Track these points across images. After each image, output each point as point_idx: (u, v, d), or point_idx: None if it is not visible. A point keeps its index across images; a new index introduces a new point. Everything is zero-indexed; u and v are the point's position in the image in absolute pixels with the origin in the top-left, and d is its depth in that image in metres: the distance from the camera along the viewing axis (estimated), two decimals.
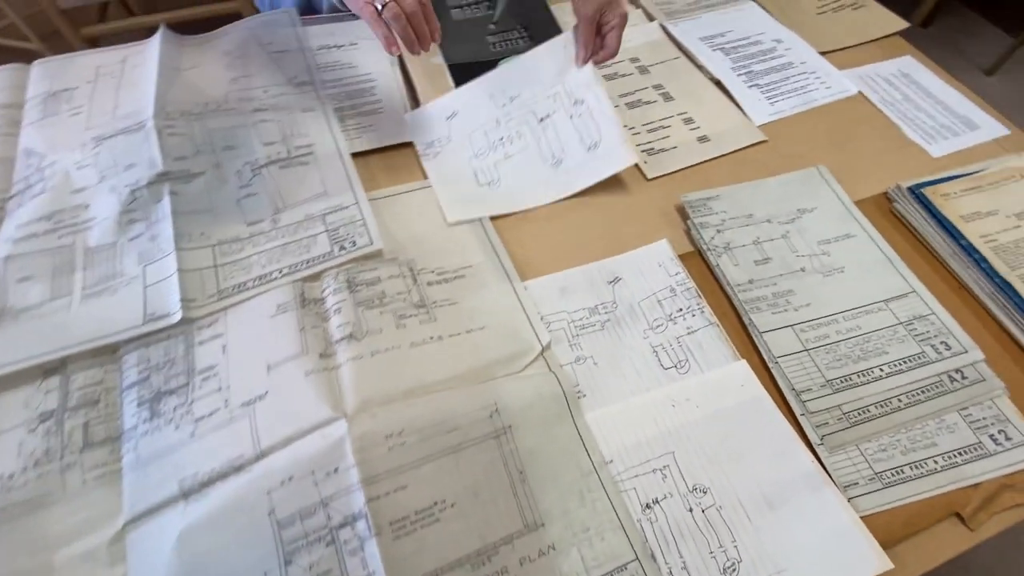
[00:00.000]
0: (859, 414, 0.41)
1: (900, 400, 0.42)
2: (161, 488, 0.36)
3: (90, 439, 0.38)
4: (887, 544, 0.36)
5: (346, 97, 0.60)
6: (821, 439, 0.40)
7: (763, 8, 0.74)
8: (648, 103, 0.62)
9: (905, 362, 0.44)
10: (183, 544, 0.33)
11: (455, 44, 0.64)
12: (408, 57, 0.62)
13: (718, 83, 0.65)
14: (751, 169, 0.57)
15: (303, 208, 0.50)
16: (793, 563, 0.35)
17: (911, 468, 0.39)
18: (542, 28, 0.67)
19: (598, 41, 0.55)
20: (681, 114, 0.61)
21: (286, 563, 0.33)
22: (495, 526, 0.35)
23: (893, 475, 0.39)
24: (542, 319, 0.45)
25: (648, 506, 0.37)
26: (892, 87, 0.66)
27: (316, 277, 0.45)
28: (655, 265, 0.49)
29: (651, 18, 0.72)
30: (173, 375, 0.40)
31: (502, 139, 0.55)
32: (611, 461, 0.39)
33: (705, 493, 0.38)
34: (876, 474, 0.39)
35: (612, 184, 0.54)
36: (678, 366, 0.43)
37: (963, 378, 0.43)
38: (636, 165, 0.57)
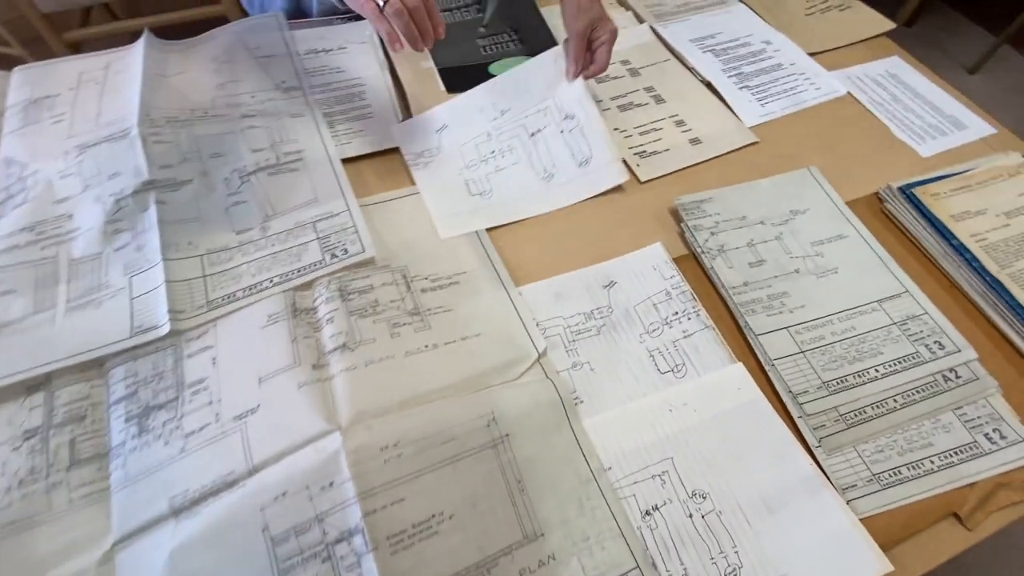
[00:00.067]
0: (856, 415, 0.41)
1: (896, 401, 0.42)
2: (151, 506, 0.35)
3: (76, 457, 0.37)
4: (886, 546, 0.36)
5: (335, 102, 0.59)
6: (819, 441, 0.40)
7: (751, 10, 0.74)
8: (640, 105, 0.62)
9: (900, 362, 0.44)
10: (174, 564, 0.33)
11: (445, 48, 0.63)
12: (398, 61, 0.62)
13: (709, 85, 0.65)
14: (743, 171, 0.57)
15: (293, 215, 0.49)
16: (794, 567, 0.35)
17: (908, 469, 0.39)
18: (532, 31, 0.67)
19: (588, 56, 0.56)
20: (672, 116, 0.61)
21: None
22: (494, 537, 0.35)
23: (891, 476, 0.39)
24: (537, 325, 0.45)
25: (648, 513, 0.37)
26: (880, 87, 0.67)
27: (308, 286, 0.45)
28: (650, 268, 0.49)
29: (641, 20, 0.72)
30: (162, 389, 0.39)
31: (493, 152, 0.55)
32: (610, 468, 0.39)
33: (704, 498, 0.38)
34: (874, 475, 0.39)
35: None
36: (675, 370, 0.43)
37: (957, 377, 0.43)
38: (629, 168, 0.57)
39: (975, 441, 0.41)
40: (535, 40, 0.66)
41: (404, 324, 0.42)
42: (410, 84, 0.60)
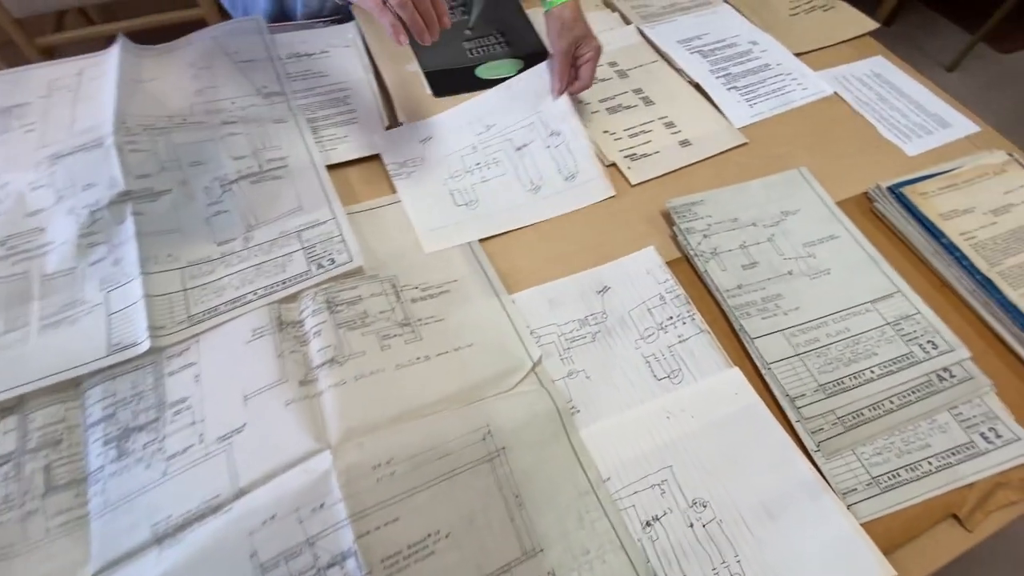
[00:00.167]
0: (853, 418, 0.41)
1: (892, 402, 0.42)
2: (132, 534, 0.33)
3: (53, 483, 0.35)
4: (888, 550, 0.36)
5: (319, 107, 0.57)
6: (817, 445, 0.40)
7: (737, 10, 0.74)
8: (629, 108, 0.62)
9: (895, 363, 0.44)
10: None
11: (430, 51, 0.62)
12: (382, 65, 0.60)
13: (697, 86, 0.64)
14: (733, 172, 0.57)
15: (277, 225, 0.47)
16: (796, 575, 0.35)
17: (907, 471, 0.39)
18: (518, 33, 0.66)
19: (573, 73, 0.56)
20: (662, 118, 0.61)
21: None
22: (492, 555, 0.34)
23: (890, 479, 0.39)
24: (531, 333, 0.44)
25: (648, 524, 0.36)
26: (866, 87, 0.67)
27: (293, 298, 0.43)
28: (643, 273, 0.48)
29: (627, 21, 0.71)
30: (142, 410, 0.38)
31: (479, 164, 0.54)
32: (608, 478, 0.38)
33: (705, 507, 0.37)
34: (873, 479, 0.39)
35: None
36: (671, 376, 0.43)
37: (951, 377, 0.43)
38: (620, 171, 0.56)
39: (971, 441, 0.40)
40: (521, 42, 0.65)
41: (394, 335, 0.41)
42: (395, 88, 0.59)
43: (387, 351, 0.40)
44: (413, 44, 0.63)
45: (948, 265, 0.50)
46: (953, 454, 0.40)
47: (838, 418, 0.41)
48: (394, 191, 0.52)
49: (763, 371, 0.43)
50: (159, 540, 0.33)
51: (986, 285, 0.47)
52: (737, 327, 0.45)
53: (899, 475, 0.39)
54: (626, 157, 0.57)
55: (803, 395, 0.42)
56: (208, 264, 0.45)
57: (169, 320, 0.41)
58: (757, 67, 0.67)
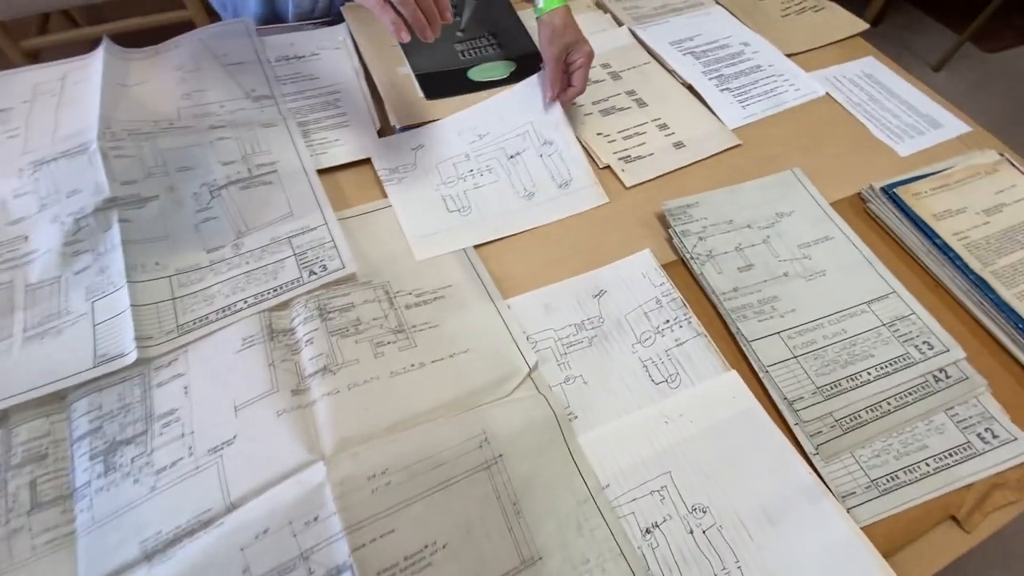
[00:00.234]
0: (851, 420, 0.41)
1: (889, 403, 0.42)
2: (121, 550, 0.32)
3: (38, 499, 0.35)
4: (888, 553, 0.36)
5: (309, 110, 0.57)
6: (816, 449, 0.39)
7: (728, 12, 0.74)
8: (622, 109, 0.61)
9: (891, 364, 0.44)
10: None
11: (422, 53, 0.61)
12: (373, 67, 0.60)
13: (690, 87, 0.64)
14: (727, 174, 0.57)
15: (268, 231, 0.47)
16: None
17: (905, 473, 0.39)
18: (510, 35, 0.65)
19: (565, 79, 0.56)
20: (655, 120, 0.61)
21: None
22: (490, 565, 0.33)
23: (888, 481, 0.39)
24: (528, 338, 0.43)
25: (648, 531, 0.36)
26: (857, 88, 0.67)
27: (284, 306, 0.43)
28: (639, 276, 0.48)
29: (619, 23, 0.71)
30: (129, 422, 0.37)
31: (472, 171, 0.54)
32: (607, 485, 0.37)
33: (705, 513, 0.37)
34: (872, 481, 0.38)
35: None
36: (669, 380, 0.42)
37: (947, 377, 0.43)
38: (614, 173, 0.56)
39: (968, 442, 0.41)
40: (513, 44, 0.65)
41: (388, 343, 0.41)
42: (387, 90, 0.58)
43: (381, 359, 0.40)
44: (404, 46, 0.62)
45: (942, 265, 0.50)
46: (950, 455, 0.40)
47: (836, 421, 0.41)
48: (385, 196, 0.52)
49: (761, 374, 0.43)
50: (148, 557, 0.32)
51: (980, 285, 0.48)
52: (734, 330, 0.45)
53: (898, 477, 0.39)
54: (620, 159, 0.57)
55: (801, 398, 0.42)
56: (197, 272, 0.44)
57: (157, 330, 0.40)
58: (749, 68, 0.67)
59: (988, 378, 0.43)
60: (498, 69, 0.62)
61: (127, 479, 0.35)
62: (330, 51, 0.62)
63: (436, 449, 0.36)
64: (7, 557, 0.33)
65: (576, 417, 0.40)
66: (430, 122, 0.57)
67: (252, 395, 0.37)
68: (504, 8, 0.68)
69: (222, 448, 0.35)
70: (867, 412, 0.41)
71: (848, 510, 0.37)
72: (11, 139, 0.50)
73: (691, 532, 0.36)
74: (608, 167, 0.56)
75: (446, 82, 0.60)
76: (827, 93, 0.66)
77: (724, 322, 0.46)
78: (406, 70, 0.61)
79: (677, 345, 0.44)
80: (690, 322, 0.45)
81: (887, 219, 0.53)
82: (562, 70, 0.55)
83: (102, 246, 0.43)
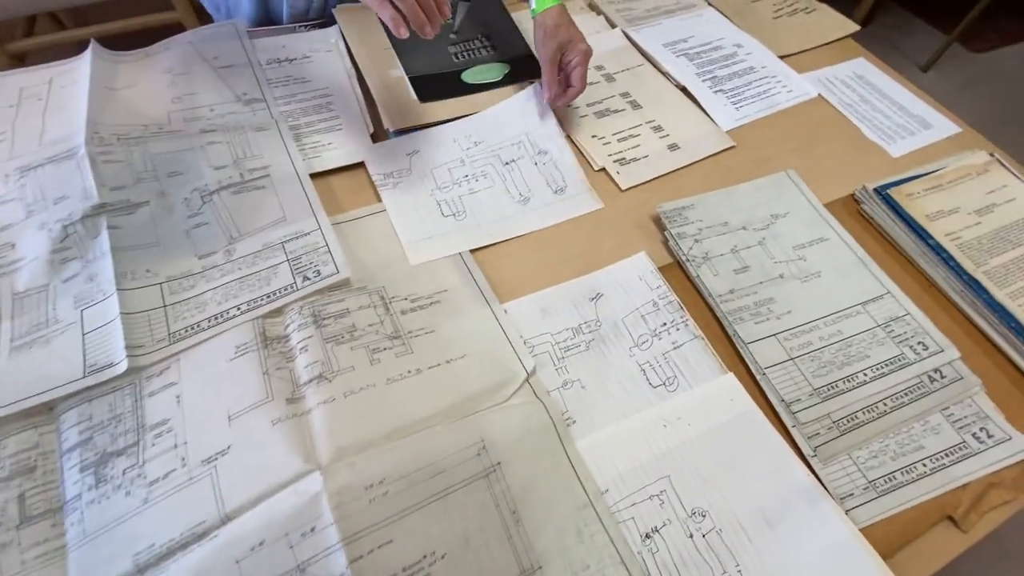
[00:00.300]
0: (848, 421, 0.41)
1: (885, 404, 0.42)
2: (113, 565, 0.32)
3: (28, 513, 0.34)
4: (887, 554, 0.36)
5: (302, 113, 0.56)
6: (814, 451, 0.39)
7: (721, 13, 0.74)
8: (616, 111, 0.61)
9: (887, 365, 0.44)
10: None
11: (415, 56, 0.61)
12: (366, 70, 0.59)
13: (684, 89, 0.64)
14: (722, 175, 0.57)
15: (260, 236, 0.46)
16: None
17: (902, 473, 0.39)
18: (504, 36, 0.65)
19: (563, 80, 0.55)
20: (650, 122, 0.61)
21: None
22: (490, 574, 0.33)
23: (886, 482, 0.39)
24: (525, 343, 0.43)
25: (648, 536, 0.36)
26: (849, 89, 0.68)
27: (278, 312, 0.42)
28: (636, 279, 0.48)
29: (613, 25, 0.71)
30: (120, 433, 0.36)
31: (467, 176, 0.53)
32: (607, 491, 0.37)
33: (704, 517, 0.37)
34: (870, 483, 0.39)
35: None
36: (667, 383, 0.42)
37: (942, 377, 0.44)
38: (609, 176, 0.56)
39: (964, 441, 0.41)
40: (507, 45, 0.64)
41: (384, 349, 0.40)
42: (380, 93, 0.58)
43: (377, 365, 0.39)
44: (397, 48, 0.62)
45: (935, 266, 0.50)
46: (947, 455, 0.40)
47: (833, 422, 0.41)
48: (380, 200, 0.51)
49: (758, 376, 0.43)
50: (141, 571, 0.32)
51: (973, 285, 0.48)
52: (731, 332, 0.45)
53: (895, 478, 0.39)
54: (615, 162, 0.57)
55: (798, 400, 0.42)
56: (189, 279, 0.43)
57: (148, 338, 0.39)
58: (742, 70, 0.67)
59: (982, 378, 0.44)
60: (492, 71, 0.62)
61: (119, 491, 0.34)
62: (322, 53, 0.61)
63: (434, 457, 0.35)
64: None
65: (574, 422, 0.40)
66: (424, 126, 0.56)
67: (246, 404, 0.37)
68: (498, 10, 0.68)
69: (216, 459, 0.35)
70: (864, 413, 0.42)
71: (847, 512, 0.37)
72: None
73: (691, 536, 0.36)
74: (603, 169, 0.56)
75: (440, 84, 0.60)
76: (819, 94, 0.66)
77: (721, 324, 0.46)
78: (399, 72, 0.60)
79: (674, 348, 0.44)
80: (687, 325, 0.45)
81: (881, 220, 0.53)
82: (557, 71, 0.55)
83: (91, 253, 0.43)
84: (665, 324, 0.45)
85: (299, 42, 0.62)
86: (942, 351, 0.45)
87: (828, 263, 0.50)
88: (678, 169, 0.57)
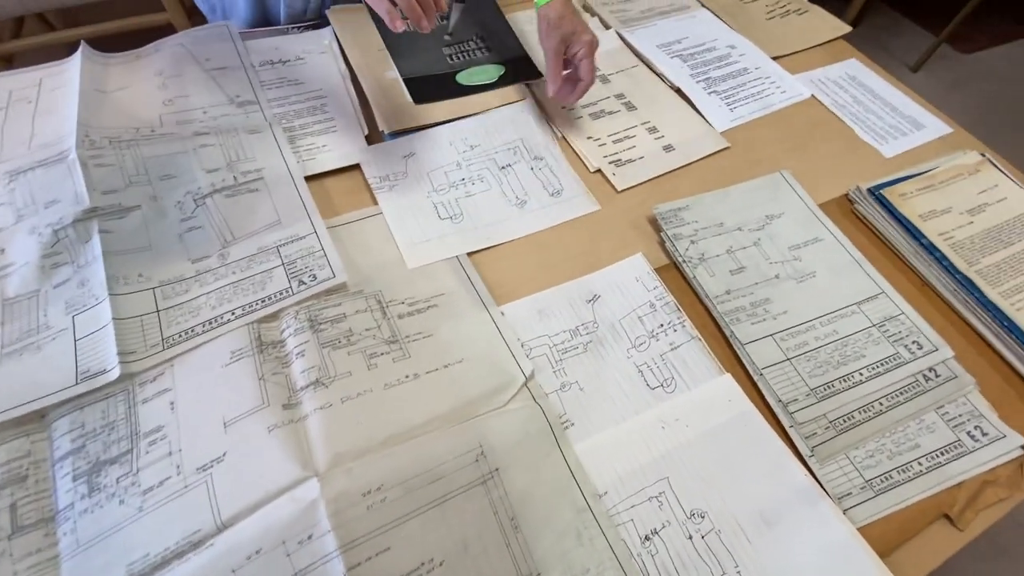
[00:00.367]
0: (844, 421, 0.41)
1: (881, 403, 0.42)
2: (107, 574, 0.31)
3: (19, 523, 0.33)
4: (884, 553, 0.36)
5: (295, 116, 0.56)
6: (811, 451, 0.40)
7: (714, 14, 0.75)
8: (611, 113, 0.61)
9: (882, 364, 0.44)
10: None
11: (410, 57, 0.61)
12: (361, 72, 0.59)
13: (678, 91, 0.64)
14: (717, 176, 0.57)
15: (255, 240, 0.46)
16: None
17: (899, 472, 0.39)
18: (499, 38, 0.65)
19: (573, 73, 0.54)
20: (645, 123, 0.61)
21: None
22: None
23: (883, 481, 0.39)
24: (522, 346, 0.43)
25: (647, 538, 0.36)
26: (842, 90, 0.68)
27: (274, 317, 0.42)
28: (632, 280, 0.48)
29: (607, 26, 0.71)
30: (113, 441, 0.36)
31: (463, 180, 0.53)
32: (606, 493, 0.37)
33: (703, 518, 0.37)
34: (867, 482, 0.39)
35: None
36: (664, 385, 0.42)
37: (936, 376, 0.44)
38: (605, 177, 0.56)
39: (959, 440, 0.41)
40: (502, 47, 0.64)
41: (381, 354, 0.40)
42: (374, 95, 0.57)
43: (374, 370, 0.39)
44: (391, 50, 0.62)
45: (928, 265, 0.50)
46: (942, 454, 0.40)
47: (830, 422, 0.41)
48: (376, 203, 0.51)
49: (755, 377, 0.43)
50: None
51: (966, 284, 0.48)
52: (728, 333, 0.45)
53: (891, 477, 0.39)
54: (611, 163, 0.57)
55: (795, 400, 0.42)
56: (182, 283, 0.43)
57: (141, 344, 0.39)
58: (736, 71, 0.67)
59: (976, 376, 0.44)
60: (487, 73, 0.61)
61: (112, 500, 0.34)
62: (315, 55, 0.61)
63: (432, 463, 0.35)
64: None
65: (572, 424, 0.40)
66: (419, 128, 0.56)
67: (242, 410, 0.36)
68: (492, 11, 0.67)
69: (211, 466, 0.34)
70: (860, 413, 0.42)
71: (844, 511, 0.37)
72: None
73: (690, 538, 0.36)
74: (599, 171, 0.56)
75: (435, 86, 0.59)
76: (812, 95, 0.66)
77: (718, 325, 0.46)
78: (394, 74, 0.60)
79: (672, 349, 0.44)
80: (684, 326, 0.45)
81: (874, 220, 0.54)
82: (561, 63, 0.54)
83: (82, 258, 0.42)
84: (662, 325, 0.45)
85: (292, 43, 0.62)
86: (936, 350, 0.45)
87: (823, 263, 0.50)
88: (674, 170, 0.57)
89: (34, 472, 0.35)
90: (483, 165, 0.55)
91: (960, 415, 0.42)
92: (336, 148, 0.54)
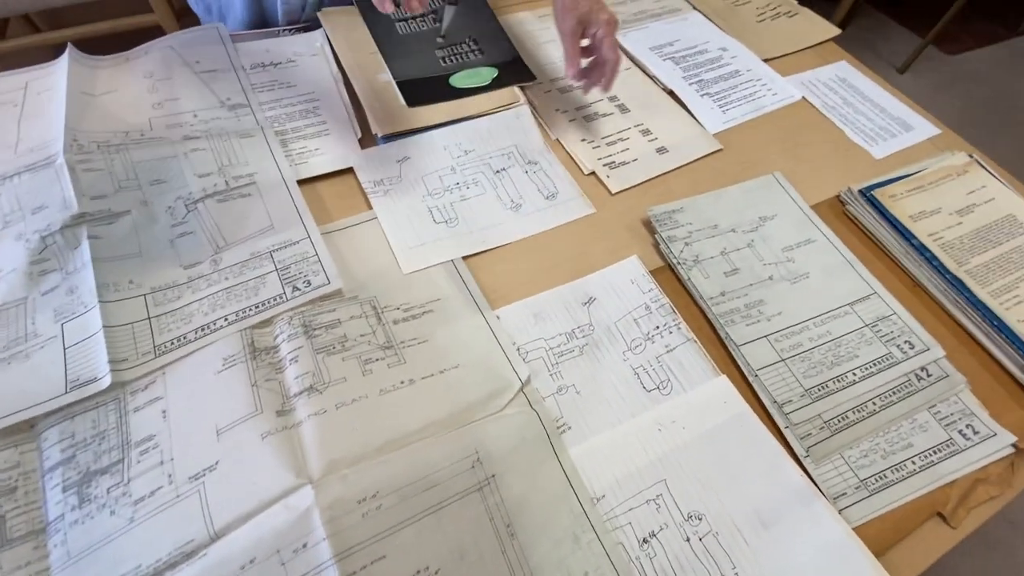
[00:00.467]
0: (839, 421, 0.42)
1: (875, 403, 0.43)
2: None
3: (9, 535, 0.33)
4: (879, 552, 0.36)
5: (287, 119, 0.55)
6: (807, 451, 0.40)
7: (706, 17, 0.75)
8: (605, 115, 0.61)
9: (875, 364, 0.44)
10: None
11: (403, 60, 0.61)
12: (353, 74, 0.59)
13: (671, 93, 0.65)
14: (710, 178, 0.57)
15: (247, 245, 0.45)
16: None
17: (892, 471, 0.40)
18: (492, 40, 0.65)
19: (595, 57, 0.53)
20: (638, 125, 0.61)
21: None
22: None
23: (877, 481, 0.39)
24: (518, 350, 0.43)
25: (645, 540, 0.36)
26: (832, 92, 0.69)
27: (267, 323, 0.41)
28: (628, 282, 0.48)
29: None
30: (104, 451, 0.35)
31: (458, 184, 0.53)
32: (603, 496, 0.37)
33: (701, 520, 0.37)
34: (861, 481, 0.39)
35: None
36: (661, 387, 0.42)
37: (928, 376, 0.44)
38: (599, 179, 0.56)
39: (951, 439, 0.41)
40: (495, 49, 0.64)
41: (377, 360, 0.40)
42: (367, 98, 0.57)
43: (369, 376, 0.39)
44: (384, 52, 0.61)
45: (919, 265, 0.51)
46: (934, 452, 0.41)
47: (824, 422, 0.41)
48: (370, 207, 0.50)
49: (750, 378, 0.43)
50: None
51: (956, 284, 0.49)
52: (723, 335, 0.45)
53: (885, 476, 0.39)
54: (605, 165, 0.57)
55: (790, 400, 0.42)
56: (174, 289, 0.42)
57: (132, 351, 0.38)
58: (728, 73, 0.68)
59: (967, 375, 0.44)
60: (480, 75, 0.61)
61: (103, 511, 0.33)
62: (307, 57, 0.61)
63: (428, 470, 0.35)
64: None
65: (569, 428, 0.40)
66: (413, 131, 0.56)
67: (235, 417, 0.36)
68: (485, 13, 0.67)
69: (204, 475, 0.34)
70: (854, 413, 0.42)
71: (840, 511, 0.38)
72: None
73: (688, 540, 0.36)
74: (593, 173, 0.56)
75: (428, 89, 0.59)
76: (803, 97, 0.67)
77: (713, 327, 0.46)
78: (386, 77, 0.60)
79: (667, 351, 0.44)
80: (679, 328, 0.45)
81: (866, 221, 0.54)
82: (578, 45, 0.52)
83: (71, 265, 0.41)
84: (658, 327, 0.45)
85: (284, 46, 0.61)
86: (928, 349, 0.45)
87: (816, 264, 0.50)
88: (667, 172, 0.57)
89: (23, 483, 0.34)
90: (477, 169, 0.55)
91: (952, 414, 0.43)
92: (329, 151, 0.53)
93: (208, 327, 0.40)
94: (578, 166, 0.57)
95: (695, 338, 0.45)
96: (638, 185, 0.56)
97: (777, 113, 0.65)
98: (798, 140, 0.62)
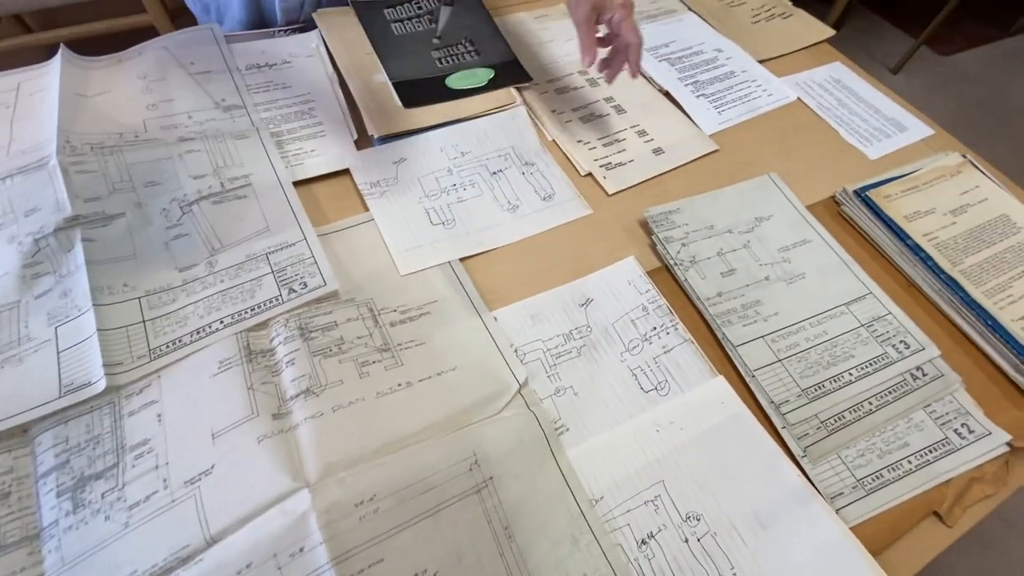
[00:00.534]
0: (835, 421, 0.42)
1: (871, 403, 0.43)
2: None
3: (2, 541, 0.32)
4: (876, 552, 0.36)
5: (283, 120, 0.55)
6: (804, 451, 0.40)
7: (701, 18, 0.75)
8: (601, 116, 0.62)
9: (871, 364, 0.45)
10: None
11: (399, 61, 0.60)
12: (349, 75, 0.58)
13: (667, 94, 0.65)
14: (706, 179, 0.57)
15: (243, 248, 0.45)
16: None
17: (889, 471, 0.40)
18: (488, 41, 0.65)
19: (616, 44, 0.53)
20: (634, 126, 0.61)
21: None
22: None
23: (873, 480, 0.39)
24: (516, 352, 0.43)
25: (644, 542, 0.36)
26: (827, 92, 0.69)
27: (263, 325, 0.41)
28: (625, 283, 0.48)
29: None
30: (99, 455, 0.35)
31: (455, 185, 0.53)
32: (601, 498, 0.37)
33: (699, 521, 0.37)
34: (858, 481, 0.39)
35: None
36: (658, 388, 0.42)
37: (923, 375, 0.45)
38: (596, 180, 0.56)
39: (946, 438, 0.42)
40: (491, 50, 0.64)
41: (374, 362, 0.40)
42: (363, 99, 0.57)
43: (366, 379, 0.39)
44: (380, 53, 0.61)
45: (914, 265, 0.51)
46: (930, 451, 0.41)
47: (821, 422, 0.42)
48: (366, 208, 0.50)
49: (747, 379, 0.43)
50: None
51: (950, 284, 0.49)
52: (720, 335, 0.45)
53: (882, 476, 0.40)
54: (601, 166, 0.57)
55: (787, 401, 0.42)
56: (169, 292, 0.42)
57: (127, 355, 0.38)
58: (723, 74, 0.68)
59: (962, 374, 0.45)
60: (476, 76, 0.61)
61: (98, 516, 0.33)
62: (302, 59, 0.60)
63: (425, 473, 0.35)
64: None
65: (567, 429, 0.40)
66: (409, 132, 0.56)
67: (230, 421, 0.36)
68: (481, 14, 0.67)
69: (200, 479, 0.34)
70: (850, 412, 0.42)
71: (837, 511, 0.38)
72: None
73: (686, 541, 0.36)
74: (590, 174, 0.56)
75: (424, 90, 0.59)
76: (798, 98, 0.67)
77: (710, 327, 0.46)
78: (382, 78, 0.59)
79: (665, 352, 0.44)
80: (676, 328, 0.45)
81: (861, 221, 0.54)
82: (593, 33, 0.52)
83: (64, 268, 0.41)
84: (655, 328, 0.45)
85: (279, 47, 0.61)
86: (923, 349, 0.46)
87: (812, 265, 0.50)
88: (663, 173, 0.57)
89: (17, 489, 0.34)
90: (474, 171, 0.54)
91: (947, 413, 0.43)
92: (325, 153, 0.53)
93: (203, 330, 0.40)
94: (575, 167, 0.57)
95: (692, 339, 0.45)
96: (635, 186, 0.56)
97: (772, 114, 0.65)
98: (793, 141, 0.62)
